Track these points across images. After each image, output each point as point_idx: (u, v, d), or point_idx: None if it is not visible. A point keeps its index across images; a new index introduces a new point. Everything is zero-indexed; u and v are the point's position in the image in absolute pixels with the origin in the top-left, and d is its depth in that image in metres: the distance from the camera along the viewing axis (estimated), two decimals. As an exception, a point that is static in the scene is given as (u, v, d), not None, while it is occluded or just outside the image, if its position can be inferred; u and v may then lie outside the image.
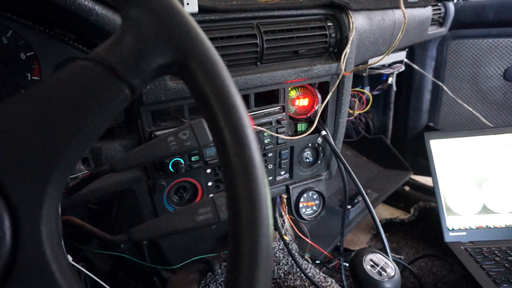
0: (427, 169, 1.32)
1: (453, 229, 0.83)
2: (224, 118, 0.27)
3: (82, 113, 0.26)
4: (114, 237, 0.36)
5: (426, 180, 1.36)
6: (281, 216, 0.88)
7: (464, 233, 0.82)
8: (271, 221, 0.25)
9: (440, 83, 1.18)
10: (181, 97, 0.54)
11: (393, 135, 1.39)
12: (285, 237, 0.81)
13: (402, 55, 1.11)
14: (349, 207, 1.13)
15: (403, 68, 1.13)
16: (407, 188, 1.35)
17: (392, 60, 1.08)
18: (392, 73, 1.13)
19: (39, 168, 0.24)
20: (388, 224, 1.21)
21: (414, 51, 1.20)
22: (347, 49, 0.62)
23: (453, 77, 1.20)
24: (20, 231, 0.23)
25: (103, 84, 0.26)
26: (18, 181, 0.24)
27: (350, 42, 0.62)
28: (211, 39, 0.53)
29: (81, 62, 0.27)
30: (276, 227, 0.82)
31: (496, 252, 0.75)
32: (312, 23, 0.61)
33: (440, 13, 1.01)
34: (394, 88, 1.19)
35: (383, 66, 1.08)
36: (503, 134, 0.88)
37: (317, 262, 0.93)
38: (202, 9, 0.53)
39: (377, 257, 0.49)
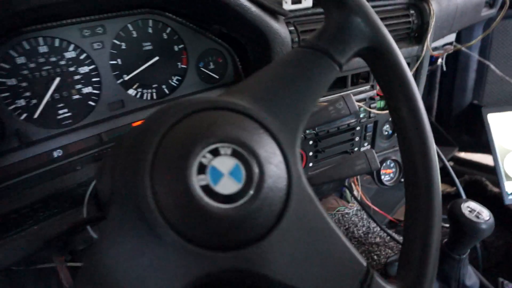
0: (471, 145, 1.42)
1: (511, 193, 0.93)
2: (405, 97, 0.38)
3: (310, 82, 0.36)
4: None
5: (470, 156, 1.44)
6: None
7: (523, 197, 0.92)
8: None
9: (487, 62, 1.25)
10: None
11: (438, 114, 1.47)
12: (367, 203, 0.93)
13: (452, 37, 1.18)
14: (401, 180, 1.23)
15: (452, 49, 1.21)
16: (451, 163, 1.44)
17: (444, 42, 1.16)
18: (442, 55, 1.21)
19: (294, 122, 0.35)
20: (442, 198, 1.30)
21: (460, 32, 1.28)
22: (429, 34, 0.71)
23: (500, 55, 1.27)
24: (289, 168, 0.33)
25: (320, 62, 0.37)
26: (285, 132, 0.34)
27: (431, 27, 0.71)
28: None
29: (301, 49, 0.38)
30: (353, 195, 0.93)
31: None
32: (397, 11, 0.71)
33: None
34: (444, 68, 1.27)
35: (436, 48, 1.16)
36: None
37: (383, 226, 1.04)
38: (315, 4, 0.63)
39: (473, 204, 0.60)
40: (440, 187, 0.38)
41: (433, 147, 0.38)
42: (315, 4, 0.63)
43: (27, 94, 0.48)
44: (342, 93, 0.49)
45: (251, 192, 0.29)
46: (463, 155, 1.46)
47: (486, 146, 1.01)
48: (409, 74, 0.38)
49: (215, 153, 0.29)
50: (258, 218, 0.29)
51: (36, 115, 0.49)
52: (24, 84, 0.48)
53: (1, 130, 0.47)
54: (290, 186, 0.31)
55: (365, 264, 0.33)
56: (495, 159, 0.95)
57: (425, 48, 0.72)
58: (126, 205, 0.27)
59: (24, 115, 0.49)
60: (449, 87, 1.39)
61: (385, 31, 0.37)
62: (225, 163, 0.29)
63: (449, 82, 1.38)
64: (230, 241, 0.28)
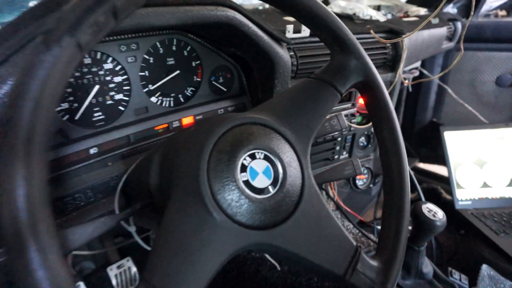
0: (429, 157, 1.60)
1: (461, 200, 1.09)
2: (390, 121, 0.50)
3: (318, 105, 0.48)
4: None
5: (428, 167, 1.63)
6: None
7: (470, 202, 1.09)
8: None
9: (446, 86, 1.44)
10: None
11: (402, 128, 1.64)
12: (341, 204, 1.06)
13: (418, 63, 1.36)
14: (371, 185, 1.38)
15: (417, 73, 1.38)
16: (412, 173, 1.62)
17: (411, 67, 1.32)
18: (409, 78, 1.38)
19: (306, 135, 0.46)
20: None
21: (424, 60, 1.46)
22: (402, 63, 0.85)
23: (455, 82, 1.47)
24: (303, 170, 0.44)
25: (326, 91, 0.48)
26: (300, 143, 0.45)
27: (403, 58, 0.85)
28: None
29: (311, 80, 0.49)
30: (329, 197, 1.05)
31: (494, 214, 1.01)
32: (377, 44, 0.84)
33: (451, 31, 1.27)
34: (410, 89, 1.44)
35: (404, 72, 1.32)
36: (498, 129, 1.15)
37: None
38: (311, 34, 0.75)
39: (430, 206, 0.74)
40: (409, 188, 0.51)
41: (405, 158, 0.51)
42: (311, 34, 0.75)
43: (71, 98, 0.56)
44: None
45: (277, 187, 0.40)
46: (422, 165, 1.64)
47: (442, 159, 1.18)
48: (390, 102, 0.51)
49: (253, 157, 0.39)
50: (281, 207, 0.40)
51: (77, 117, 0.57)
52: (69, 90, 0.55)
53: (47, 129, 0.54)
54: (303, 184, 0.43)
55: (355, 244, 0.44)
56: (449, 170, 1.12)
57: (397, 75, 0.86)
58: (188, 192, 0.37)
59: (67, 116, 0.56)
60: (412, 106, 1.57)
61: (375, 70, 0.50)
62: (259, 164, 0.40)
63: (413, 102, 1.57)
64: (261, 223, 0.39)
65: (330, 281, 0.56)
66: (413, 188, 1.08)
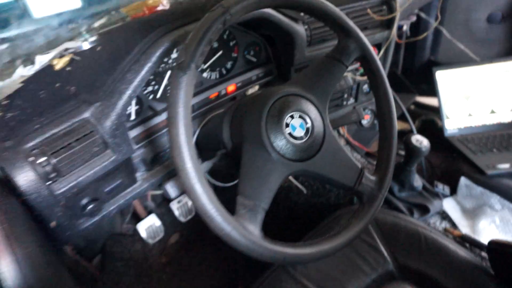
0: (428, 92, 1.80)
1: (449, 129, 1.32)
2: (382, 81, 0.72)
3: (331, 76, 0.70)
4: None
5: (426, 100, 1.83)
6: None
7: (456, 130, 1.32)
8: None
9: (441, 27, 1.59)
10: None
11: (403, 68, 1.83)
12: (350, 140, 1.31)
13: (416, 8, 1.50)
14: (375, 122, 1.62)
15: (415, 18, 1.53)
16: (413, 107, 1.83)
17: (408, 12, 1.47)
18: (407, 22, 1.54)
19: (325, 98, 0.69)
20: (400, 133, 1.71)
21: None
22: (396, 22, 1.03)
23: (451, 22, 1.61)
24: (324, 123, 0.68)
25: (336, 66, 0.70)
26: (321, 105, 0.68)
27: (397, 18, 1.03)
28: None
29: (324, 58, 0.71)
30: (339, 133, 1.30)
31: (475, 138, 1.25)
32: (374, 8, 1.02)
33: (444, -23, 1.39)
34: (408, 33, 1.60)
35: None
36: (483, 65, 1.33)
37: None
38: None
39: (418, 137, 0.98)
40: (396, 126, 0.74)
41: (393, 105, 0.73)
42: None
43: (153, 82, 0.79)
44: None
45: (308, 135, 0.64)
46: (421, 99, 1.85)
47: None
48: (381, 67, 0.72)
49: (292, 117, 0.63)
50: (312, 147, 0.64)
51: (158, 95, 0.80)
52: (151, 77, 0.78)
53: (141, 105, 0.78)
54: (325, 131, 0.67)
55: (360, 166, 0.69)
56: (439, 105, 1.33)
57: (392, 32, 1.04)
58: (255, 142, 0.62)
59: (151, 96, 0.80)
60: (412, 47, 1.73)
61: (369, 46, 0.71)
62: (296, 122, 0.63)
63: (412, 43, 1.72)
64: (300, 157, 0.63)
65: (345, 191, 0.81)
66: (408, 123, 1.32)
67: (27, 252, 0.50)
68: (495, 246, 0.82)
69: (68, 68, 0.69)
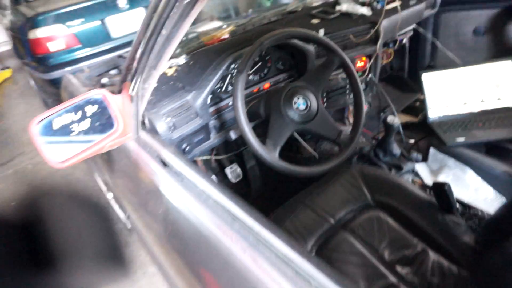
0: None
1: (431, 117, 1.75)
2: (354, 78, 1.23)
3: (326, 70, 1.23)
4: None
5: (429, 98, 2.24)
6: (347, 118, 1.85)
7: (437, 118, 1.74)
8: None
9: (436, 40, 2.01)
10: None
11: (409, 72, 2.26)
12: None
13: (413, 25, 1.94)
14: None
15: (412, 33, 1.96)
16: (417, 103, 2.25)
17: (408, 29, 1.91)
18: (405, 37, 1.98)
19: (320, 87, 1.21)
20: (404, 125, 2.13)
21: (421, 21, 2.02)
22: (379, 41, 1.51)
23: (444, 35, 2.02)
24: (318, 104, 1.20)
25: (327, 67, 1.22)
26: (316, 91, 1.20)
27: (381, 38, 1.51)
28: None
29: (321, 64, 1.23)
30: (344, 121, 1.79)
31: (449, 123, 1.67)
32: (364, 31, 1.51)
33: (431, 2, 1.83)
34: (407, 45, 2.04)
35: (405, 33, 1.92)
36: (463, 67, 1.74)
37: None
38: (327, 32, 1.45)
39: (392, 117, 1.45)
40: (363, 107, 1.24)
41: (362, 96, 1.24)
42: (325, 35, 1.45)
43: (220, 82, 1.35)
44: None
45: (308, 109, 1.17)
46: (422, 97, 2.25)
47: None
48: (355, 73, 1.23)
49: (298, 98, 1.17)
50: (310, 115, 1.18)
51: (223, 89, 1.36)
52: (221, 79, 1.34)
53: (214, 94, 1.35)
54: (318, 106, 1.20)
55: (339, 129, 1.21)
56: (424, 98, 1.76)
57: (377, 48, 1.52)
58: (277, 112, 1.16)
59: (219, 90, 1.36)
60: (414, 55, 2.16)
61: (347, 60, 1.22)
62: (301, 101, 1.17)
63: (415, 52, 2.16)
64: (302, 121, 1.16)
65: (331, 142, 1.32)
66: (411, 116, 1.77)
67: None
68: (436, 185, 1.27)
69: (175, 74, 1.28)
